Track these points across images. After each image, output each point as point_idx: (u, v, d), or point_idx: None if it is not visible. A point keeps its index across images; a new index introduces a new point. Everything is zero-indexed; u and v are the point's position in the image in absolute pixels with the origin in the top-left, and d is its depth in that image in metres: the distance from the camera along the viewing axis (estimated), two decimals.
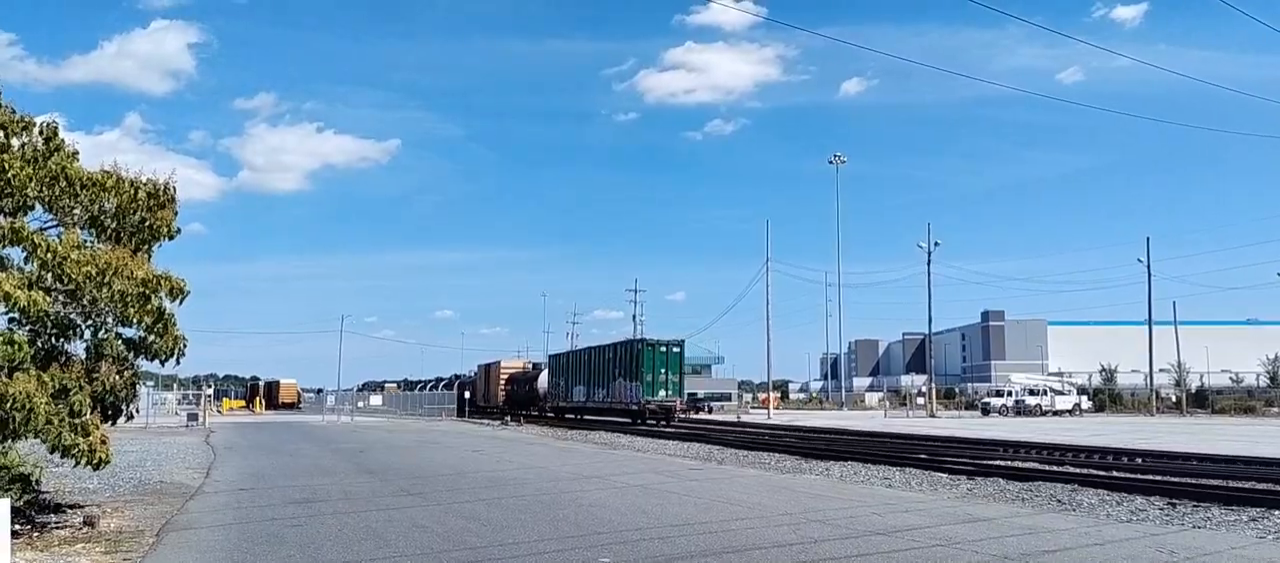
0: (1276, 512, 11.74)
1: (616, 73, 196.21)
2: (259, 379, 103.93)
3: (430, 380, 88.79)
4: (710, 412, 68.53)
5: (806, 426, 40.18)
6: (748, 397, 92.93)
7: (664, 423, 38.73)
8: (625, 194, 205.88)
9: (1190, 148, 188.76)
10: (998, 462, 19.79)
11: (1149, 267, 71.47)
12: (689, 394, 78.56)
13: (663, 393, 40.47)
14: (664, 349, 41.89)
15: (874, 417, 60.20)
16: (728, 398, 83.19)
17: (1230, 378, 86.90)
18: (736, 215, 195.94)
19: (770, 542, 9.17)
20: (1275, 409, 65.30)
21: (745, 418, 53.65)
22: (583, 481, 15.92)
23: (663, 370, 40.93)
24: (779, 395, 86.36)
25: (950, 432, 34.01)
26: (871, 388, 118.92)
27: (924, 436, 30.73)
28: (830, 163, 75.03)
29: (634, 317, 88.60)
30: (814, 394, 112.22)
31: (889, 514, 11.31)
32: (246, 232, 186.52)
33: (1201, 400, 73.48)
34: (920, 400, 71.91)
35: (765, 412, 63.63)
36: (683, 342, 44.82)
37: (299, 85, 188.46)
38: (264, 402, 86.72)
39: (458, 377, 76.95)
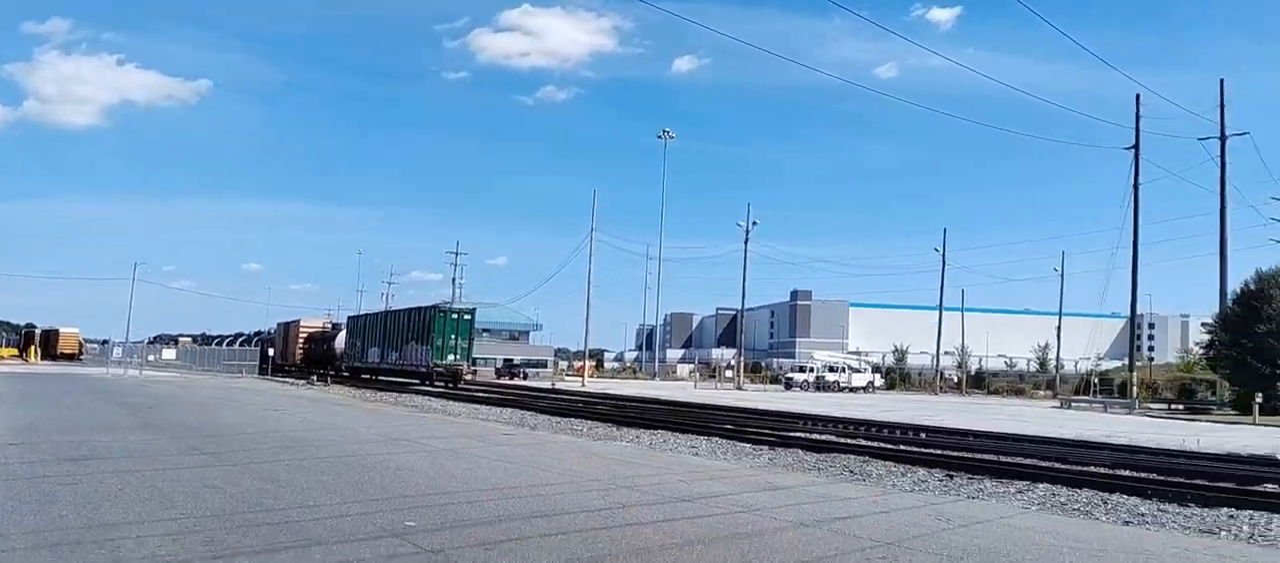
0: (1040, 485, 12.89)
1: (449, 30, 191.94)
2: (35, 327, 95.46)
3: (230, 336, 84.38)
4: (525, 378, 68.52)
5: (620, 394, 40.81)
6: (563, 364, 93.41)
7: (452, 385, 41.05)
8: (452, 155, 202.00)
9: (992, 147, 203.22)
10: (798, 434, 20.76)
11: (944, 257, 76.65)
12: (505, 360, 78.75)
13: (452, 357, 43.07)
14: (455, 316, 44.71)
15: (685, 387, 61.85)
16: (544, 365, 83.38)
17: (1005, 362, 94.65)
18: (564, 184, 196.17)
19: (579, 507, 9.26)
20: (1042, 391, 71.60)
21: (560, 385, 53.94)
22: (391, 443, 15.55)
23: (453, 336, 43.36)
24: (594, 364, 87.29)
25: (755, 404, 35.40)
26: (684, 360, 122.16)
27: (731, 407, 31.83)
28: (659, 138, 76.08)
29: (454, 280, 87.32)
30: (628, 364, 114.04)
31: (695, 482, 11.64)
32: (29, 166, 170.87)
33: (979, 382, 79.67)
34: (729, 373, 74.41)
35: (580, 380, 64.18)
36: (474, 309, 48.49)
37: (99, 12, 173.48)
38: (40, 351, 79.83)
39: (260, 334, 73.56)
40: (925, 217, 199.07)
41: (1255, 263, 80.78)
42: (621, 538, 7.73)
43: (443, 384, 41.18)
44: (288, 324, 66.79)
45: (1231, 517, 10.52)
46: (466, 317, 45.40)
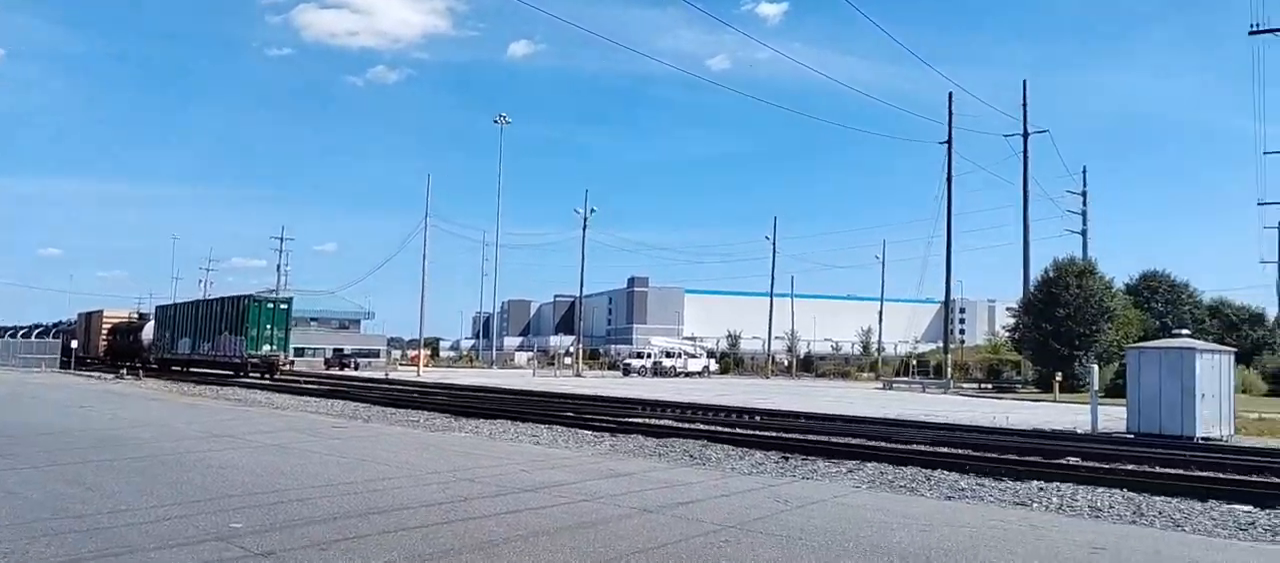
0: (869, 464, 13.44)
1: (271, 4, 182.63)
2: None
3: (25, 327, 77.84)
4: (357, 369, 66.39)
5: (457, 383, 40.11)
6: (397, 354, 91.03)
7: (268, 376, 40.15)
8: (275, 135, 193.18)
9: (819, 139, 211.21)
10: (638, 420, 20.93)
11: (774, 244, 79.20)
12: (334, 350, 76.08)
13: (267, 347, 42.27)
14: (271, 305, 44.17)
15: (523, 375, 61.45)
16: (376, 355, 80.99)
17: (832, 346, 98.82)
18: (396, 168, 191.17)
19: (418, 501, 8.97)
20: (866, 373, 75.15)
21: (393, 375, 52.54)
22: (212, 440, 14.66)
23: (268, 326, 42.59)
24: (430, 353, 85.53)
25: (595, 390, 35.51)
26: (522, 347, 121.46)
27: (570, 394, 31.81)
28: (495, 123, 75.04)
29: (279, 266, 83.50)
30: (465, 353, 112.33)
31: (537, 471, 11.51)
32: None
33: (808, 365, 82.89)
34: (568, 360, 74.47)
35: (415, 369, 62.72)
36: (291, 299, 48.17)
37: None
38: None
39: (60, 324, 68.24)
40: (757, 205, 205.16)
41: (1055, 252, 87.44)
42: (464, 532, 7.52)
43: (258, 375, 40.23)
44: (90, 314, 62.34)
45: (1041, 489, 11.26)
46: (283, 306, 44.80)
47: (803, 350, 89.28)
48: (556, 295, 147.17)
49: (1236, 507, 10.19)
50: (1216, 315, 60.47)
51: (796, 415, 23.70)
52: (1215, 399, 20.39)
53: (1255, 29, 29.49)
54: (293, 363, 50.32)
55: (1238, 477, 12.45)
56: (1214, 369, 20.61)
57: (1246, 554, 7.75)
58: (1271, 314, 60.87)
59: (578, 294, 74.82)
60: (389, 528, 7.56)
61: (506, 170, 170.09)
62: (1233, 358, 22.62)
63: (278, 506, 8.53)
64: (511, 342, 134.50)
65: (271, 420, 18.86)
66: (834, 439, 17.32)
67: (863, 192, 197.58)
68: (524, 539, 7.27)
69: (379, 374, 54.53)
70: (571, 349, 78.18)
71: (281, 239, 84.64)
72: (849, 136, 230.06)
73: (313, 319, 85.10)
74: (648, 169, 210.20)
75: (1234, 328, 57.85)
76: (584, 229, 69.73)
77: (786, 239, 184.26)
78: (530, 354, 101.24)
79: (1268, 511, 9.91)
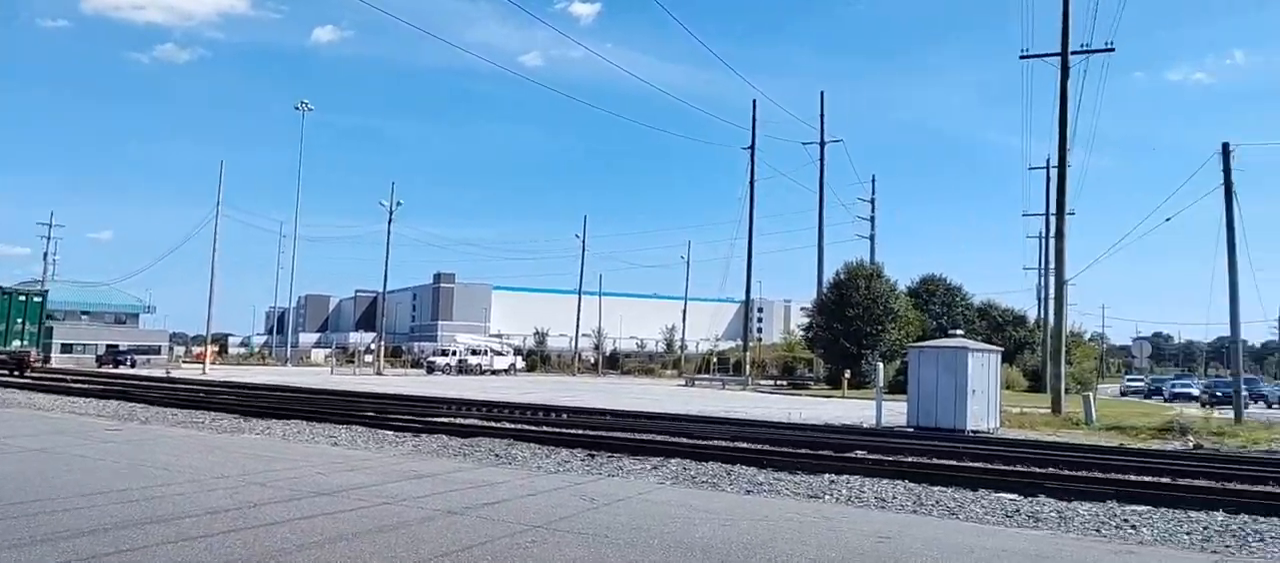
0: (672, 460, 13.73)
1: None
2: None
3: None
4: (133, 366, 61.82)
5: (247, 382, 37.97)
6: (181, 351, 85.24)
7: (17, 373, 37.66)
8: (46, 112, 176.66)
9: (629, 139, 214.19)
10: (442, 419, 20.51)
11: (584, 243, 79.68)
12: (108, 346, 70.31)
13: (17, 342, 39.91)
14: (22, 298, 41.65)
15: (320, 374, 59.00)
16: (157, 351, 75.45)
17: (637, 343, 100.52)
18: (186, 153, 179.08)
19: (204, 508, 8.39)
20: (670, 371, 76.88)
21: (176, 373, 49.19)
22: None
23: (19, 319, 40.22)
24: (218, 350, 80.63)
25: (397, 389, 34.56)
26: (319, 344, 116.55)
27: (371, 393, 30.81)
28: (296, 109, 71.56)
29: (46, 254, 76.52)
30: (257, 349, 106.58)
31: (335, 474, 11.04)
32: None
33: (614, 362, 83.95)
34: (369, 358, 72.17)
35: (200, 367, 58.97)
36: (46, 291, 45.92)
37: None
38: None
39: None
40: (568, 203, 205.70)
41: (848, 255, 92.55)
42: (254, 541, 7.09)
43: (5, 373, 37.42)
44: None
45: (832, 482, 11.85)
46: (36, 299, 42.32)
47: (609, 348, 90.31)
48: (358, 291, 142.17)
49: (1003, 495, 11.08)
50: (985, 317, 65.93)
51: (603, 413, 23.91)
52: (984, 395, 22.15)
53: (1025, 53, 32.15)
54: (45, 360, 47.71)
55: (1004, 468, 13.56)
56: (984, 367, 22.39)
57: (1012, 540, 8.41)
58: (1033, 316, 66.92)
59: (381, 289, 72.50)
60: (169, 538, 7.03)
61: (308, 160, 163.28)
62: (1000, 357, 24.67)
63: (42, 516, 7.76)
64: (309, 338, 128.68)
65: (33, 423, 17.18)
66: (639, 436, 17.59)
67: (671, 193, 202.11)
68: (319, 546, 6.94)
69: (159, 373, 50.88)
70: (372, 346, 75.76)
71: (50, 226, 77.73)
72: (659, 139, 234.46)
73: (84, 313, 78.20)
74: (457, 163, 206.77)
75: (1000, 328, 63.23)
76: (389, 222, 67.75)
77: (596, 238, 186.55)
78: (329, 351, 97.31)
79: (1029, 499, 10.84)
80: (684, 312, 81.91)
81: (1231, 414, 28.94)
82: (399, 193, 71.39)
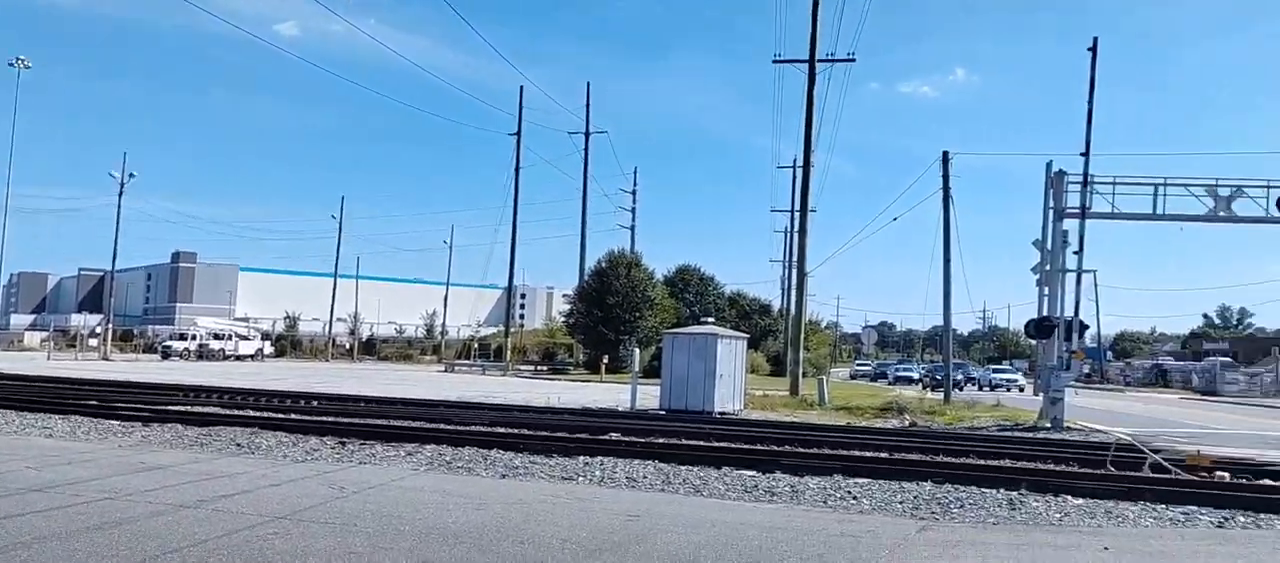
0: (428, 446, 13.55)
1: None
2: None
3: None
4: None
5: None
6: None
7: None
8: None
9: (393, 120, 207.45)
10: (177, 407, 19.14)
11: (341, 224, 76.57)
12: None
13: None
14: None
15: (36, 359, 53.26)
16: None
17: (396, 329, 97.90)
18: None
19: None
20: (429, 356, 75.48)
21: None
22: None
23: None
24: None
25: (127, 376, 31.87)
26: (35, 326, 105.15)
27: (96, 380, 28.23)
28: (11, 65, 63.83)
29: None
30: None
31: (49, 469, 10.07)
32: None
33: (371, 348, 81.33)
34: (94, 342, 65.96)
35: None
36: None
37: None
38: None
39: None
40: (326, 182, 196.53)
41: (610, 244, 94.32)
42: None
43: None
44: None
45: (586, 464, 12.13)
46: None
47: (366, 333, 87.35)
48: (82, 269, 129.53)
49: (744, 472, 11.77)
50: (735, 306, 69.54)
51: (357, 399, 23.17)
52: (731, 379, 23.37)
53: (778, 58, 34.10)
54: None
55: (745, 447, 14.37)
56: (731, 353, 23.61)
57: (750, 513, 8.97)
58: (777, 305, 71.17)
59: (110, 268, 66.33)
60: None
61: (26, 122, 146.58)
62: (745, 343, 26.11)
63: None
64: (21, 320, 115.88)
65: None
66: (394, 423, 17.19)
67: (436, 176, 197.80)
68: (28, 545, 6.34)
69: None
70: (99, 330, 69.27)
71: None
72: (424, 120, 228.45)
73: None
74: (203, 135, 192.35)
75: (747, 316, 66.91)
76: (120, 195, 62.01)
77: (355, 220, 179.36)
78: (45, 335, 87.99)
79: (767, 475, 11.57)
80: (445, 297, 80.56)
81: (943, 396, 32.13)
82: (135, 163, 65.46)
